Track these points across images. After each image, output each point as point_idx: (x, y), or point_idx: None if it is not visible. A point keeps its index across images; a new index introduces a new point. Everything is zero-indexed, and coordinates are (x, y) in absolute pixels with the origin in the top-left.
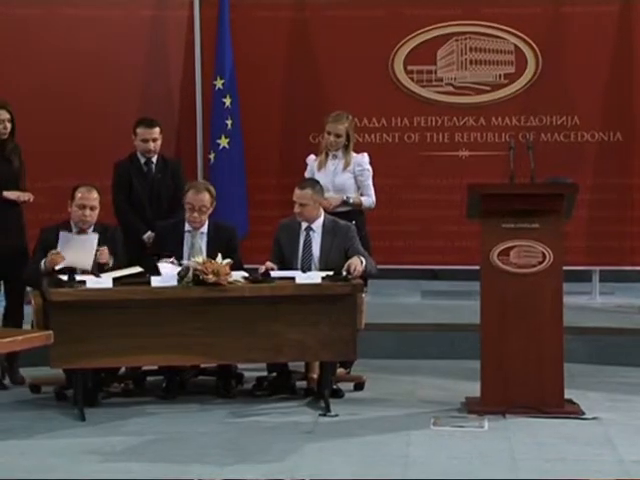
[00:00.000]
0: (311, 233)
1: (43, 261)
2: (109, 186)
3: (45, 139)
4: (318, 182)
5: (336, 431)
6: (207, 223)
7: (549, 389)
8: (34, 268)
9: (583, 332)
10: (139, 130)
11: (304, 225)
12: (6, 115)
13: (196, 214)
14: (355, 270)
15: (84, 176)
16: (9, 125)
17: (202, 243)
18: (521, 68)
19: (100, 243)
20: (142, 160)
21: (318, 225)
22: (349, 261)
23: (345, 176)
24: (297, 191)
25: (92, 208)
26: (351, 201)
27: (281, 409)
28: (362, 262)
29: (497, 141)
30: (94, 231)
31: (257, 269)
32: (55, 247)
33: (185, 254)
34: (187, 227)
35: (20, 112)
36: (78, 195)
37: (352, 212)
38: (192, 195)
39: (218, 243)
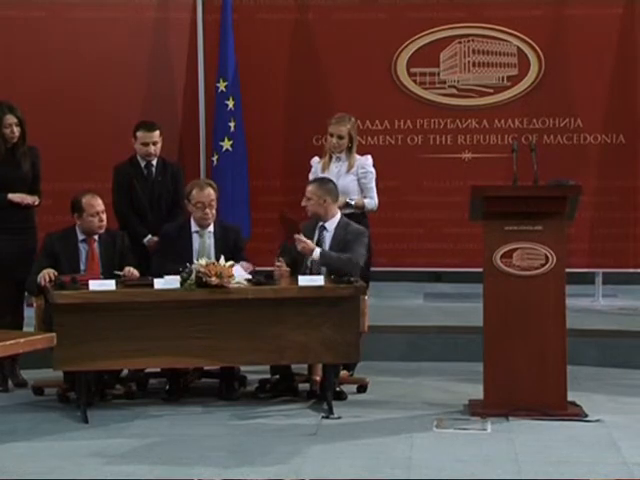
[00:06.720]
0: (324, 232)
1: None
2: (110, 189)
3: (47, 141)
4: (331, 181)
5: (339, 433)
6: (213, 224)
7: (552, 391)
8: (34, 279)
9: (586, 334)
10: (139, 133)
11: (320, 224)
12: (13, 119)
13: (207, 210)
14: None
15: (86, 179)
16: (17, 129)
17: (211, 242)
18: (524, 70)
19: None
20: (142, 163)
21: (332, 225)
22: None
23: (348, 178)
24: (307, 186)
25: (104, 212)
26: (353, 203)
27: (284, 411)
28: (315, 251)
29: (500, 143)
30: (102, 237)
31: (270, 272)
32: (59, 255)
33: (195, 253)
34: (194, 227)
35: (23, 114)
36: (88, 204)
37: (354, 215)
38: (198, 193)
39: (225, 243)
